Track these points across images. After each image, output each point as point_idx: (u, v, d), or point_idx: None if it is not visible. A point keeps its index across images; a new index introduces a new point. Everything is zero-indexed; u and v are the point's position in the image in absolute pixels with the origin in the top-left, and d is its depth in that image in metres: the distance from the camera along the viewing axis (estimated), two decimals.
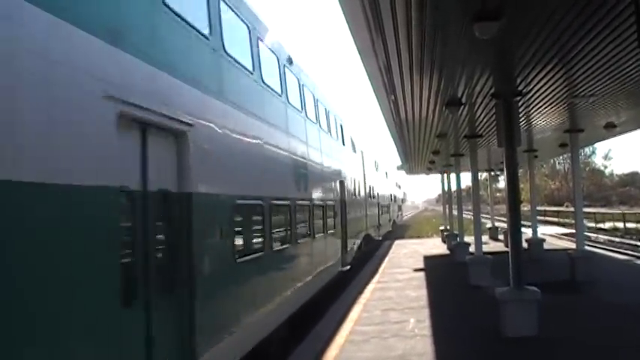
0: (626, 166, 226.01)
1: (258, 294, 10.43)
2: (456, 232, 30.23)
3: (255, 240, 10.76)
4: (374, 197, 36.02)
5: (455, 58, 10.83)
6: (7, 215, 4.29)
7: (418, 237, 49.70)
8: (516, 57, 10.77)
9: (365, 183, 30.34)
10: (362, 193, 28.95)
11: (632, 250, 31.26)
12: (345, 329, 13.33)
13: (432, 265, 25.61)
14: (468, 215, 37.27)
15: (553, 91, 13.69)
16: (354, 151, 26.84)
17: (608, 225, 47.67)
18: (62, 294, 4.81)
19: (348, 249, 22.46)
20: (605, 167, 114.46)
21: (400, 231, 60.32)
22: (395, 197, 63.73)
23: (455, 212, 32.20)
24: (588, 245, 25.52)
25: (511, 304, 11.92)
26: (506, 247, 15.03)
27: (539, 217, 33.05)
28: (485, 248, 20.93)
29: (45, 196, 4.65)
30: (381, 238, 40.53)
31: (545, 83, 12.81)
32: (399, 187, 75.35)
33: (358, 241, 26.71)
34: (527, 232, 25.91)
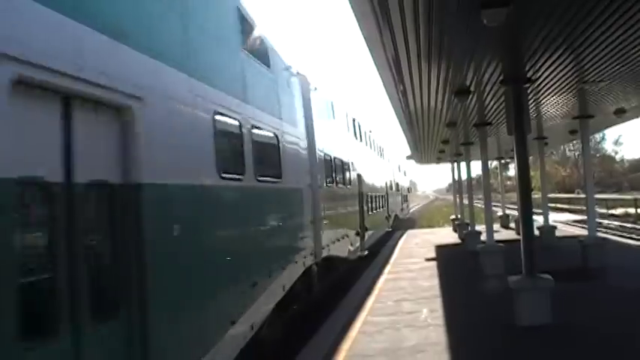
0: (637, 151, 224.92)
1: None
2: (467, 221, 30.19)
3: None
4: (348, 183, 21.82)
5: (463, 46, 10.79)
6: None
7: (429, 227, 49.59)
8: (525, 43, 10.72)
9: (315, 153, 15.99)
10: (300, 173, 14.18)
11: None
12: (359, 320, 13.35)
13: (443, 254, 25.59)
14: (478, 204, 37.20)
15: (562, 77, 13.62)
16: (267, 65, 12.16)
17: (619, 211, 47.42)
18: None
19: None
20: (616, 153, 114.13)
21: (404, 227, 45.69)
22: (397, 185, 48.75)
23: (466, 201, 32.12)
24: (600, 232, 25.42)
25: (524, 293, 11.89)
26: (518, 234, 15.00)
27: (550, 205, 32.96)
28: (496, 236, 20.85)
29: None
30: (366, 253, 24.26)
31: (554, 69, 12.74)
32: (404, 173, 61.46)
33: (264, 310, 10.34)
34: (538, 220, 25.85)
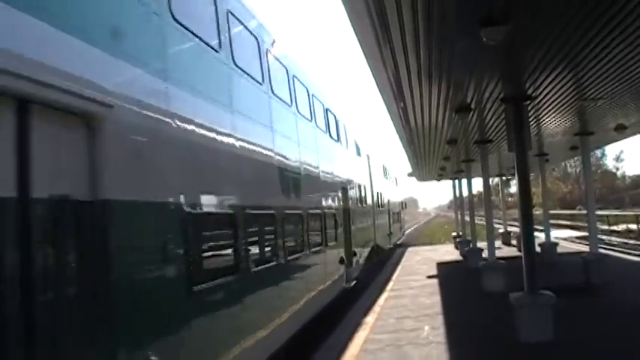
0: (639, 167, 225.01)
1: None
2: (468, 238, 30.15)
3: None
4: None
5: (463, 64, 10.84)
6: None
7: (431, 244, 49.47)
8: (525, 61, 10.78)
9: None
10: None
11: None
12: (360, 337, 13.31)
13: (445, 271, 25.53)
14: (480, 221, 37.16)
15: (562, 94, 13.67)
16: None
17: (621, 227, 47.29)
18: None
19: None
20: (617, 169, 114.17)
21: (388, 263, 31.97)
22: (380, 197, 32.15)
23: (467, 218, 32.06)
24: (602, 248, 25.38)
25: (525, 309, 11.88)
26: (520, 251, 15.00)
27: (551, 221, 32.93)
28: (498, 253, 20.84)
29: None
30: None
31: (554, 87, 12.79)
32: (395, 181, 45.29)
33: None
34: (540, 237, 25.82)
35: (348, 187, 20.32)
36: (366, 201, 25.47)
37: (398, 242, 45.40)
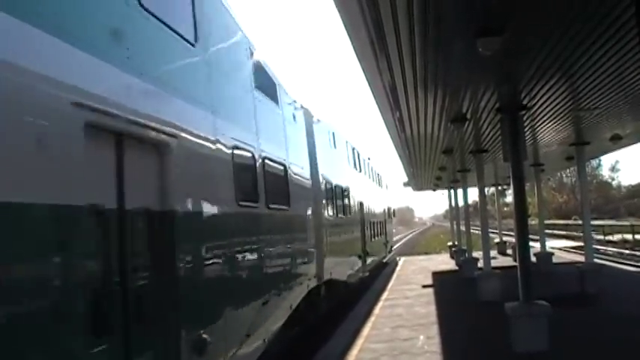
0: (634, 177, 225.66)
1: None
2: (464, 247, 30.14)
3: None
4: None
5: (459, 74, 10.88)
6: None
7: (426, 253, 49.47)
8: (520, 71, 10.81)
9: None
10: None
11: None
12: (355, 347, 13.26)
13: (440, 281, 25.49)
14: (475, 230, 37.18)
15: (558, 104, 13.71)
16: None
17: (616, 237, 47.36)
18: None
19: None
20: (613, 179, 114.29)
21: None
22: (342, 202, 21.52)
23: (462, 228, 32.05)
24: (597, 258, 25.38)
25: (520, 319, 11.85)
26: (515, 261, 15.01)
27: (547, 231, 32.96)
28: (493, 263, 20.84)
29: None
30: None
31: (549, 97, 12.83)
32: (376, 179, 35.66)
33: None
34: (535, 246, 25.82)
35: (192, 152, 7.10)
36: (288, 200, 12.43)
37: (384, 261, 37.32)
